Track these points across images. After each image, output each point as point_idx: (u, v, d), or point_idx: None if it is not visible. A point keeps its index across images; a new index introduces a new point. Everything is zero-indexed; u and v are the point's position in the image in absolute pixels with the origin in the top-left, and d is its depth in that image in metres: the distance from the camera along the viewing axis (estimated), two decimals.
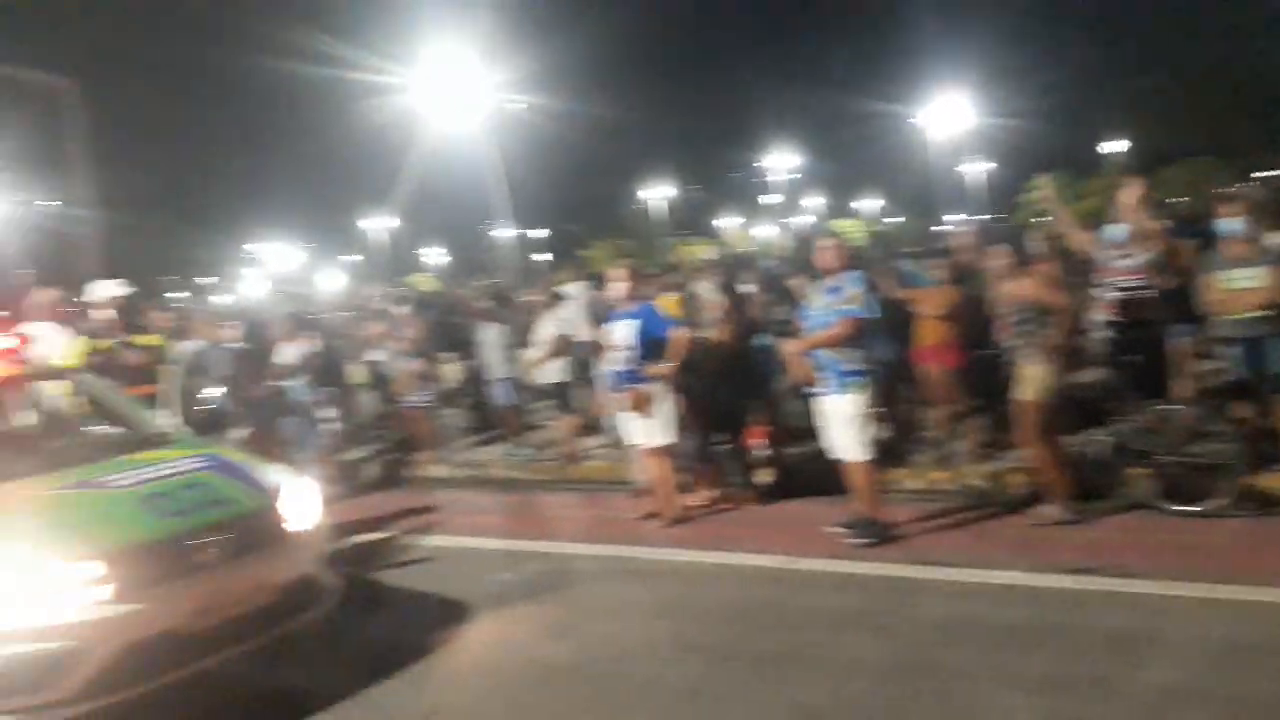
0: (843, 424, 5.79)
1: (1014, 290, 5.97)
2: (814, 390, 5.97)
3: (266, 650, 4.58)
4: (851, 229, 30.09)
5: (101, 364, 6.68)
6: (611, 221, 50.15)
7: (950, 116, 43.60)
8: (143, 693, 4.08)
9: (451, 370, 11.71)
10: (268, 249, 53.54)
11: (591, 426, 9.08)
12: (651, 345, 6.65)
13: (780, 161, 53.08)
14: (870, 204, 62.78)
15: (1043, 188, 9.01)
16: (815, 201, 58.82)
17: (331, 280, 50.61)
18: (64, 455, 5.32)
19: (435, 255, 58.69)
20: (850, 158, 53.56)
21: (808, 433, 7.15)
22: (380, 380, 11.20)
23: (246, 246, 53.28)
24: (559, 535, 6.86)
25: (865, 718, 3.80)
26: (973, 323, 6.78)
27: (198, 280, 51.12)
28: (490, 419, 10.13)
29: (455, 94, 23.91)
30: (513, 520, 7.70)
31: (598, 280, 10.69)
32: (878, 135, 47.05)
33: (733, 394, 7.14)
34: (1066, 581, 4.88)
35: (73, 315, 8.24)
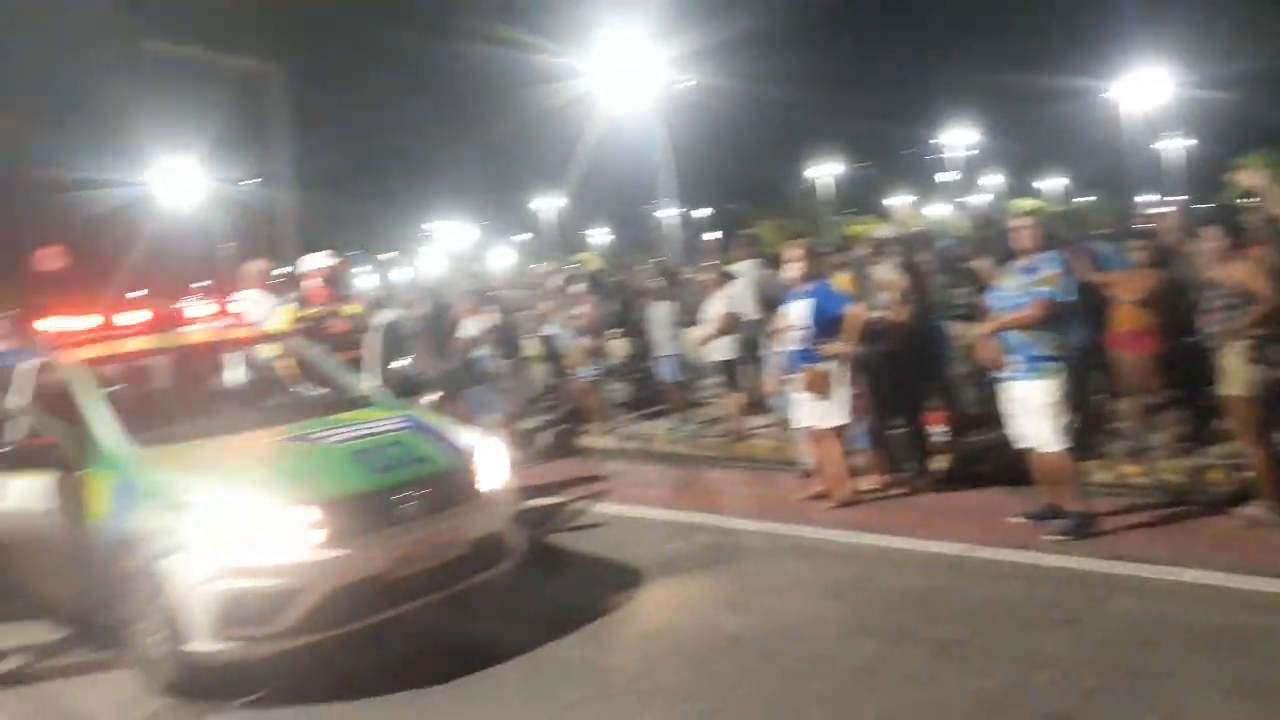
0: (1035, 411, 5.59)
1: (1222, 275, 5.60)
2: (1002, 375, 5.78)
3: (457, 601, 4.90)
4: (1034, 208, 28.62)
5: (310, 330, 7.21)
6: (777, 200, 49.62)
7: (1146, 89, 40.59)
8: (348, 632, 4.45)
9: (619, 346, 12.00)
10: (444, 227, 55.95)
11: (757, 405, 9.12)
12: (826, 324, 6.61)
13: (957, 138, 51.04)
14: (1054, 183, 59.50)
15: (1249, 167, 8.34)
16: (993, 180, 56.24)
17: (502, 258, 52.44)
18: (280, 412, 5.84)
19: (600, 235, 59.78)
20: (1034, 134, 50.77)
21: (984, 419, 6.98)
22: (552, 354, 11.61)
23: (425, 225, 55.82)
24: (726, 510, 6.94)
25: (1050, 711, 3.71)
26: (1174, 309, 6.40)
27: (379, 256, 54.02)
28: (656, 394, 10.33)
29: (626, 74, 24.23)
30: (679, 493, 7.85)
31: (767, 259, 10.68)
32: (1065, 110, 44.35)
33: (910, 376, 7.01)
34: (1274, 585, 4.57)
35: (279, 284, 8.93)
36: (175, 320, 6.63)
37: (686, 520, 6.75)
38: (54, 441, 4.83)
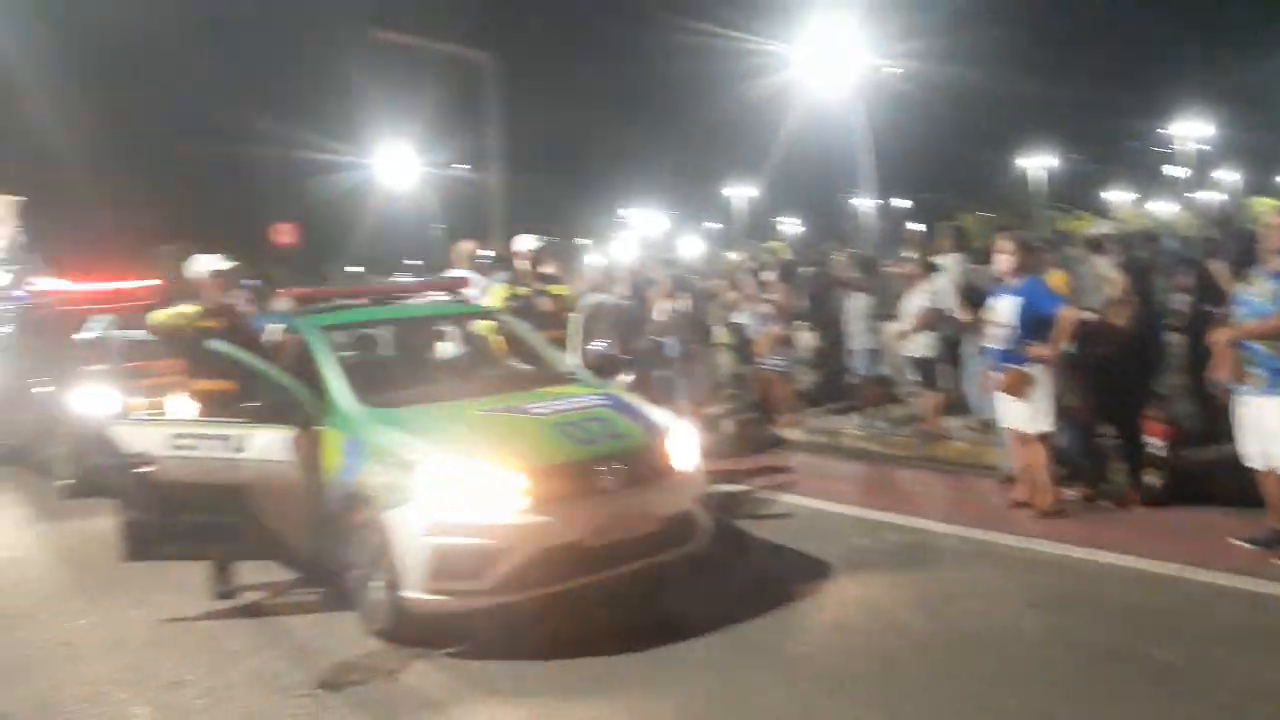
0: (1273, 430, 5.16)
1: None
2: (1239, 388, 5.36)
3: (648, 574, 5.08)
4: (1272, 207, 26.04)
5: (519, 308, 7.59)
6: (984, 191, 47.44)
7: None
8: (546, 595, 4.69)
9: (808, 337, 11.90)
10: (637, 214, 56.97)
11: (956, 405, 8.84)
12: (1035, 324, 6.33)
13: (1187, 130, 46.99)
14: None
15: None
16: (1228, 176, 51.49)
17: (692, 246, 52.85)
18: (492, 383, 6.20)
19: (791, 224, 59.14)
20: (1275, 126, 46.01)
21: (1204, 434, 6.50)
22: (740, 342, 11.66)
23: (620, 211, 57.03)
24: (918, 511, 6.78)
25: None
26: None
27: (576, 240, 55.59)
28: (847, 388, 10.18)
29: (829, 61, 23.81)
30: (869, 490, 7.74)
31: (973, 252, 10.30)
32: None
33: (1126, 384, 6.60)
34: None
35: (487, 264, 9.42)
36: (399, 293, 7.13)
37: (876, 518, 6.66)
38: (295, 400, 5.32)
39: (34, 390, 8.71)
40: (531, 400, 5.53)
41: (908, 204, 48.26)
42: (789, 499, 7.24)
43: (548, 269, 8.57)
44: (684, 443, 5.46)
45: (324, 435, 5.24)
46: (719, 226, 57.63)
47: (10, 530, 7.48)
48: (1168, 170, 49.53)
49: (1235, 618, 4.61)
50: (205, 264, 6.32)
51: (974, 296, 8.61)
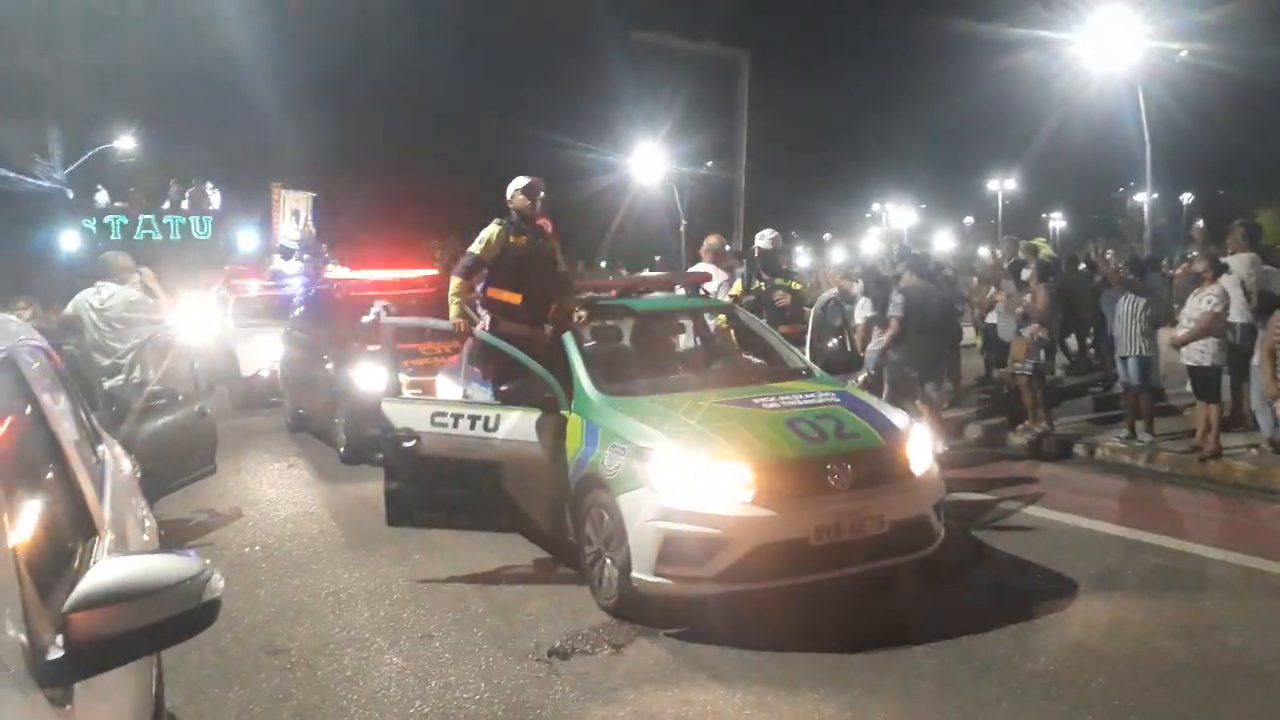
0: None
1: None
2: None
3: (876, 578, 4.97)
4: None
5: (756, 303, 7.63)
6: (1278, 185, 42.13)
7: None
8: (768, 589, 4.71)
9: (1069, 341, 11.08)
10: (888, 209, 55.37)
11: (1237, 420, 7.97)
12: None
13: None
14: None
15: None
16: None
17: (945, 241, 50.66)
18: (726, 376, 6.28)
19: (1055, 220, 55.26)
20: None
21: None
22: (991, 343, 11.07)
23: (872, 206, 55.72)
24: (1184, 533, 6.19)
25: None
26: None
27: (822, 237, 54.91)
28: (1111, 397, 9.42)
29: (1103, 44, 22.01)
30: (1128, 507, 7.13)
31: (1268, 253, 9.22)
32: None
33: None
34: None
35: (730, 259, 9.51)
36: (642, 286, 7.36)
37: (1133, 538, 6.14)
38: (542, 385, 5.65)
39: (323, 367, 9.78)
40: (763, 395, 5.56)
41: (1189, 199, 43.74)
42: (1035, 511, 6.82)
43: (785, 264, 8.56)
44: (919, 446, 5.30)
45: (567, 420, 5.53)
46: (971, 221, 54.83)
47: (298, 488, 8.46)
48: None
49: None
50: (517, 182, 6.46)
51: (1267, 301, 7.74)
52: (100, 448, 3.40)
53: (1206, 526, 6.45)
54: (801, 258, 42.81)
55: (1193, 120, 31.76)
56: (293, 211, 27.91)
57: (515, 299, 6.24)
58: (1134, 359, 8.36)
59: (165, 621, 1.67)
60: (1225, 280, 8.15)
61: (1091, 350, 12.30)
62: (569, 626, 4.86)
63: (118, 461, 3.61)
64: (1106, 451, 8.49)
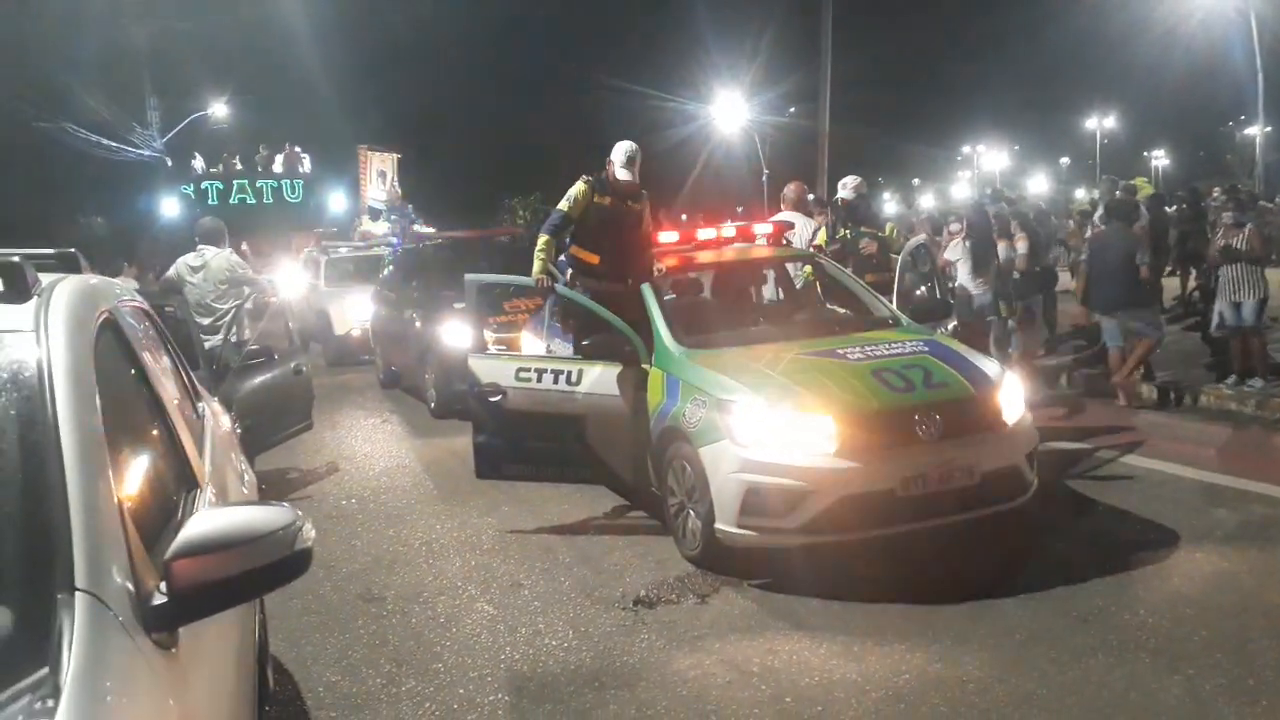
0: None
1: None
2: None
3: (966, 529, 4.88)
4: None
5: (840, 252, 7.49)
6: None
7: None
8: (852, 539, 4.67)
9: (1175, 283, 10.59)
10: (979, 152, 53.53)
11: None
12: None
13: None
14: None
15: None
16: None
17: (1040, 184, 48.83)
18: (809, 327, 6.20)
19: (1157, 158, 52.64)
20: None
21: None
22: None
23: (962, 149, 53.96)
24: None
25: None
26: None
27: (911, 181, 53.44)
28: (1218, 341, 8.98)
29: None
30: (1234, 456, 6.82)
31: None
32: None
33: None
34: None
35: (815, 207, 9.34)
36: (729, 240, 7.29)
37: (1240, 487, 5.88)
38: (623, 339, 5.67)
39: (411, 324, 10.00)
40: (849, 345, 5.47)
41: None
42: (1134, 460, 6.59)
43: (871, 211, 8.36)
44: (1011, 395, 5.16)
45: (649, 373, 5.54)
46: (1066, 162, 52.62)
47: (391, 442, 8.71)
48: None
49: None
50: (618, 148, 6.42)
51: None
52: (200, 405, 3.54)
53: None
54: (889, 204, 41.78)
55: None
56: (379, 172, 28.46)
57: (594, 258, 6.25)
58: (1251, 301, 7.95)
59: (261, 569, 1.74)
60: None
61: (1196, 293, 11.74)
62: (654, 576, 4.91)
63: (217, 418, 3.75)
64: (1212, 399, 8.13)
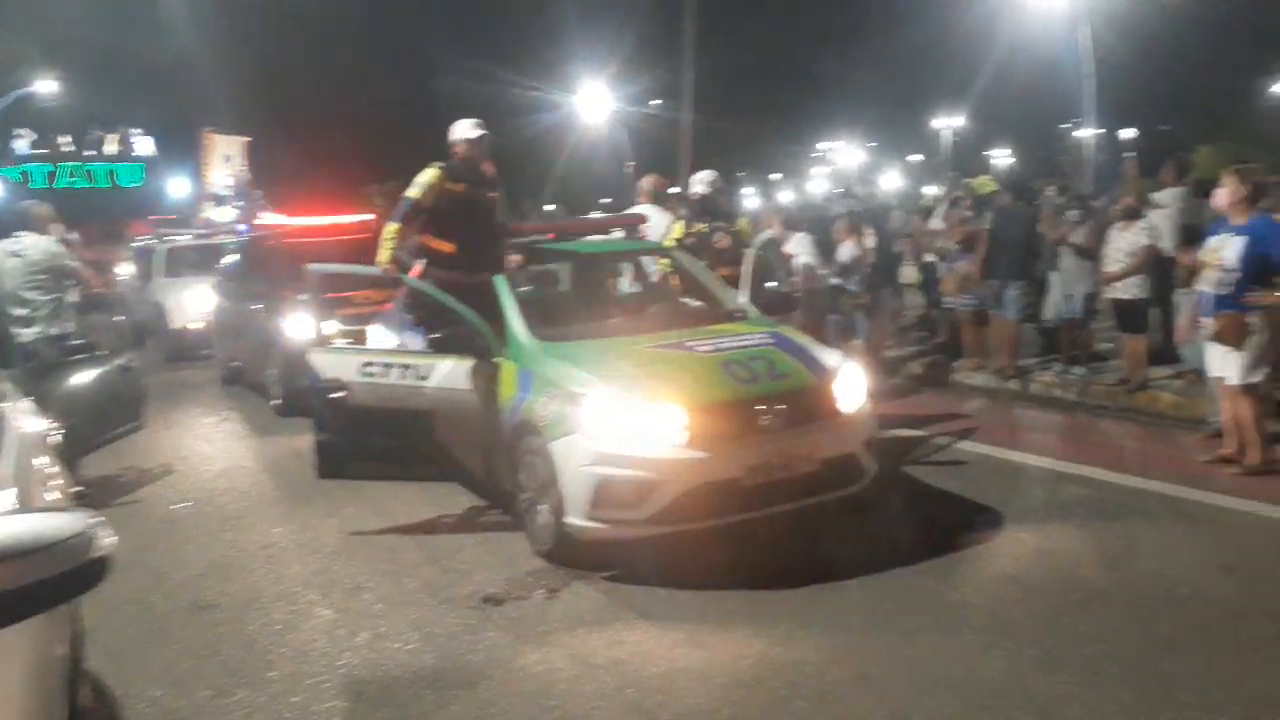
0: None
1: None
2: None
3: (807, 515, 5.02)
4: None
5: (695, 245, 7.57)
6: (1227, 121, 42.69)
7: None
8: (700, 529, 4.73)
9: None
10: (835, 148, 55.29)
11: (1163, 352, 8.14)
12: (1260, 267, 5.70)
13: None
14: None
15: None
16: None
17: (892, 180, 50.85)
18: (662, 320, 6.25)
19: (1002, 156, 55.61)
20: None
21: None
22: (930, 281, 11.17)
23: (817, 145, 55.57)
24: (1109, 463, 6.32)
25: None
26: None
27: (769, 176, 54.69)
28: (1047, 332, 9.57)
29: None
30: (1058, 440, 7.30)
31: (1199, 187, 9.35)
32: None
33: None
34: None
35: (671, 200, 9.42)
36: (583, 230, 7.27)
37: (1063, 470, 6.30)
38: (475, 332, 5.57)
39: (253, 317, 9.57)
40: (698, 338, 5.54)
41: (1135, 135, 44.23)
42: (968, 446, 6.95)
43: (727, 206, 8.49)
44: (851, 384, 5.33)
45: (500, 366, 5.47)
46: (921, 159, 55.01)
47: (230, 442, 8.32)
48: None
49: None
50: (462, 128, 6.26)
51: (1195, 235, 7.87)
52: None
53: (1130, 456, 6.62)
54: (751, 198, 42.71)
55: (1138, 56, 31.96)
56: (224, 157, 27.08)
57: (449, 247, 6.13)
58: (1081, 293, 8.49)
59: (50, 580, 1.62)
60: (1156, 214, 8.28)
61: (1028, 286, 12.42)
62: (504, 573, 4.85)
63: (21, 418, 3.48)
64: (1040, 386, 8.65)
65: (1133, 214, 8.11)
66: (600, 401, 4.84)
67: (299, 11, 37.70)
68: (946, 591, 4.47)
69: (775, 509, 4.86)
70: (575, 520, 4.77)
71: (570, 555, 4.87)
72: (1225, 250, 5.86)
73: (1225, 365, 5.89)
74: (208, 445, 8.19)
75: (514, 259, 6.48)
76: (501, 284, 5.87)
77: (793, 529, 5.05)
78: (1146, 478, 5.93)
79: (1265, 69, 42.83)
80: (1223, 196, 6.07)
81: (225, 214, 18.10)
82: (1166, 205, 8.57)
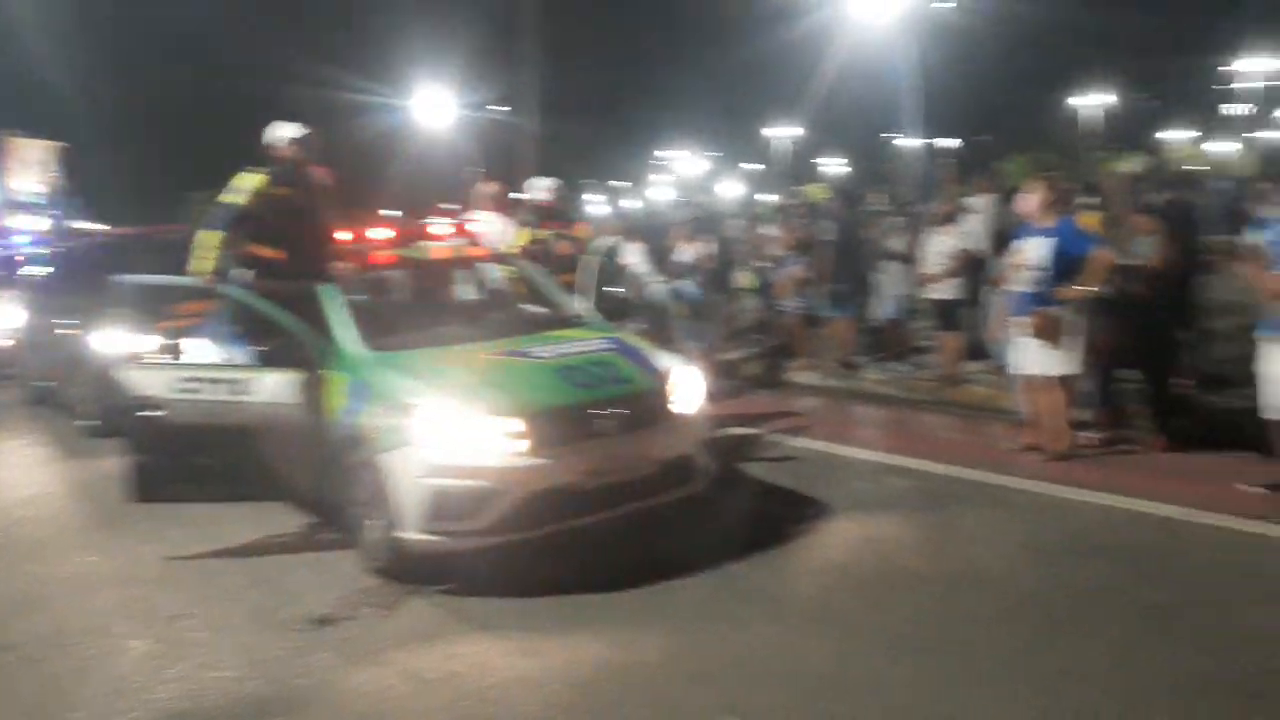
0: None
1: None
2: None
3: (644, 517, 5.07)
4: None
5: (534, 252, 7.55)
6: (1034, 132, 46.00)
7: None
8: (539, 535, 4.71)
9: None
10: (676, 157, 56.30)
11: (977, 349, 8.68)
12: (1065, 266, 6.16)
13: (1253, 66, 45.03)
14: None
15: None
16: None
17: (732, 188, 52.23)
18: (499, 327, 6.18)
19: (837, 166, 58.02)
20: None
21: (1229, 379, 6.35)
22: (765, 285, 11.52)
23: (657, 154, 56.42)
24: (928, 454, 6.70)
25: (1254, 691, 3.40)
26: None
27: (612, 184, 55.08)
28: (874, 331, 10.04)
29: None
30: (883, 434, 7.67)
31: (1009, 194, 10.04)
32: None
33: (1158, 328, 6.42)
34: None
35: (512, 207, 9.36)
36: (416, 238, 7.12)
37: (886, 462, 6.62)
38: (302, 343, 5.37)
39: (63, 331, 8.90)
40: (536, 344, 5.53)
41: (956, 145, 47.04)
42: (801, 443, 7.20)
43: (566, 212, 8.51)
44: (688, 387, 5.43)
45: (329, 378, 5.28)
46: (760, 168, 56.73)
47: (33, 468, 7.72)
48: (1230, 109, 47.60)
49: (1234, 560, 4.57)
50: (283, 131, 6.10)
51: (1003, 239, 8.43)
52: None
53: (947, 447, 7.00)
54: (598, 205, 42.96)
55: (960, 68, 34.08)
56: (33, 162, 25.06)
57: (277, 254, 5.89)
58: (890, 296, 8.94)
59: None
60: (971, 219, 8.83)
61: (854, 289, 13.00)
62: (335, 593, 4.67)
63: None
64: (867, 383, 9.06)
65: (948, 219, 8.63)
66: (434, 411, 4.75)
67: (121, 14, 35.49)
68: (779, 584, 4.63)
69: (614, 512, 4.90)
70: (410, 534, 4.66)
71: (405, 570, 4.74)
72: (1035, 252, 6.29)
73: (1040, 359, 6.30)
74: (8, 471, 7.58)
75: (347, 265, 6.29)
76: (331, 293, 5.68)
77: (631, 531, 5.09)
78: (962, 466, 6.31)
79: (1068, 82, 46.47)
80: (1030, 202, 6.52)
81: (37, 223, 16.76)
82: (980, 211, 9.15)
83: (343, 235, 6.45)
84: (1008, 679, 3.61)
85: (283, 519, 5.72)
